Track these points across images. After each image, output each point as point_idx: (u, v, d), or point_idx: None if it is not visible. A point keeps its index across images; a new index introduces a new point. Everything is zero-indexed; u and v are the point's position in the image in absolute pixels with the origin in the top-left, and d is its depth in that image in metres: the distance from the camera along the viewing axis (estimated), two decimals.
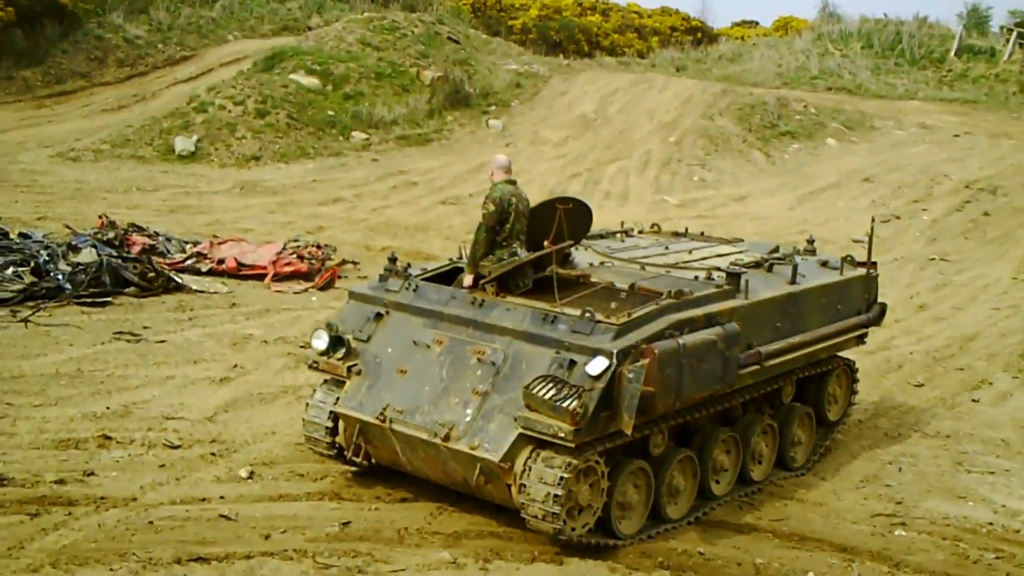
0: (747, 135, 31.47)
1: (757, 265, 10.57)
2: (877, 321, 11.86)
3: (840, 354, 11.70)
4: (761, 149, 30.82)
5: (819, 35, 43.53)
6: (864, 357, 13.83)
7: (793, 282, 10.35)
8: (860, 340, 11.74)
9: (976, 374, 14.73)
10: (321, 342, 9.42)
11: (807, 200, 26.49)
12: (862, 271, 11.59)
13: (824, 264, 11.41)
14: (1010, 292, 19.30)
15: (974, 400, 13.69)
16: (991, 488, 10.87)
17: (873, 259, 11.87)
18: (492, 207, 9.37)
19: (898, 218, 24.56)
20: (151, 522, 8.62)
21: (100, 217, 18.58)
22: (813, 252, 11.89)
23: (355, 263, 18.81)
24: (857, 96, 36.75)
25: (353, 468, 9.80)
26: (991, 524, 9.96)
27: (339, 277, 17.72)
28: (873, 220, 12.29)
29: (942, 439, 12.26)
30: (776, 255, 11.17)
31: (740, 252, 11.45)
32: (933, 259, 21.75)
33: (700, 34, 53.61)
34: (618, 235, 12.19)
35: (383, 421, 8.88)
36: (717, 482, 9.95)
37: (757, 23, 60.67)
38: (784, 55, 41.92)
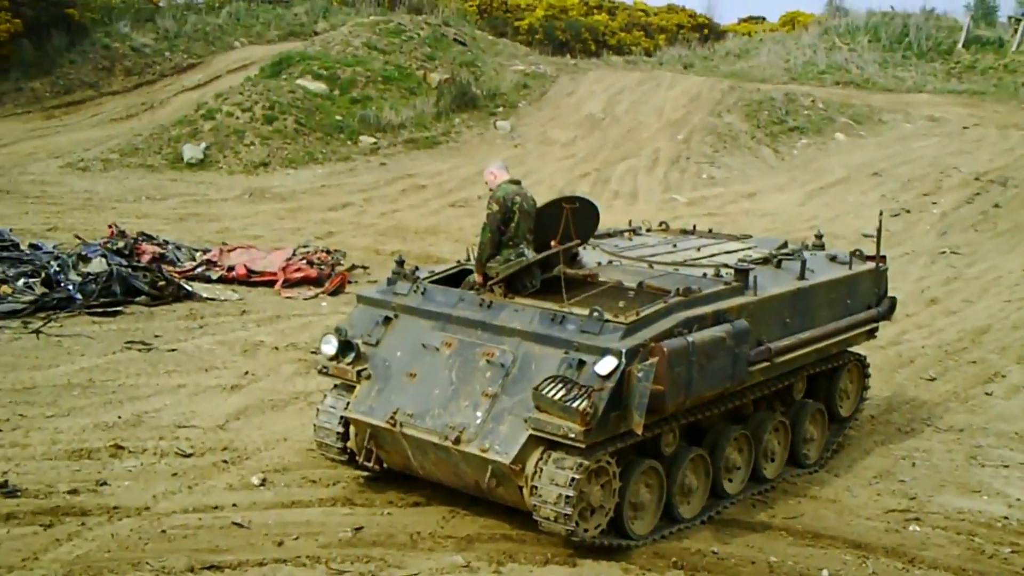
0: (755, 131, 31.42)
1: (765, 261, 10.54)
2: (887, 315, 11.82)
3: (851, 349, 11.66)
4: (770, 145, 30.77)
5: (826, 29, 43.40)
6: (875, 352, 13.80)
7: (802, 277, 10.31)
8: (871, 335, 11.71)
9: (989, 367, 14.68)
10: (330, 347, 9.41)
11: (816, 195, 26.44)
12: (871, 265, 11.54)
13: (833, 259, 11.36)
14: (1022, 284, 19.19)
15: (987, 393, 13.64)
16: (1005, 481, 10.83)
17: (883, 253, 11.83)
18: (496, 207, 9.37)
19: (908, 212, 24.49)
20: (164, 531, 8.62)
21: (110, 226, 18.61)
22: (822, 247, 11.85)
23: (365, 268, 18.82)
24: (865, 90, 36.65)
25: (365, 473, 9.79)
26: (1006, 518, 9.92)
27: (349, 282, 17.71)
28: (881, 214, 12.22)
29: (955, 433, 12.22)
30: (784, 251, 11.12)
31: (748, 248, 11.40)
32: (944, 252, 21.67)
33: (707, 31, 53.61)
34: (626, 234, 12.16)
35: (394, 425, 8.88)
36: (730, 480, 9.93)
37: (764, 19, 60.62)
38: (791, 50, 41.84)
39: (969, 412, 12.94)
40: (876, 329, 11.79)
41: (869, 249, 11.94)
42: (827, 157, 29.78)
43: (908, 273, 19.89)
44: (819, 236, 12.13)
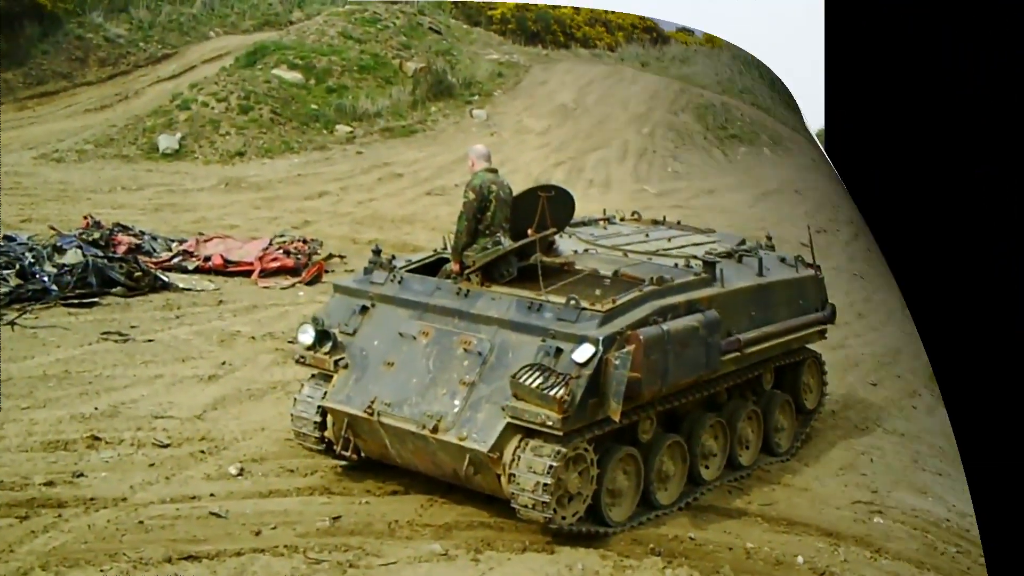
0: (706, 133, 31.48)
1: (728, 255, 10.68)
2: (831, 319, 12.04)
3: (807, 347, 11.85)
4: (719, 147, 30.87)
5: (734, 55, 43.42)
6: (826, 353, 13.85)
7: (760, 274, 10.53)
8: (822, 335, 11.95)
9: (911, 382, 14.74)
10: (307, 336, 9.43)
11: (762, 200, 26.52)
12: (812, 272, 11.76)
13: (783, 260, 11.57)
14: None
15: (914, 407, 13.75)
16: (943, 488, 11.00)
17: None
18: (472, 195, 9.42)
19: (826, 231, 24.50)
20: (141, 521, 8.63)
21: (85, 218, 18.51)
22: (772, 248, 12.00)
23: (342, 257, 18.78)
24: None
25: (343, 462, 9.81)
26: (948, 520, 10.12)
27: (326, 271, 17.67)
28: (809, 228, 12.45)
29: (899, 436, 12.40)
30: (744, 247, 11.31)
31: (713, 242, 11.58)
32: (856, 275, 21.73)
33: (655, 34, 53.53)
34: (600, 223, 12.25)
35: (371, 414, 8.92)
36: (706, 467, 10.02)
37: (692, 32, 60.27)
38: (718, 65, 41.87)
39: (906, 419, 13.09)
40: (826, 330, 12.00)
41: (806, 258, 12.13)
42: (762, 167, 29.84)
43: (836, 286, 19.85)
44: (769, 238, 12.32)
